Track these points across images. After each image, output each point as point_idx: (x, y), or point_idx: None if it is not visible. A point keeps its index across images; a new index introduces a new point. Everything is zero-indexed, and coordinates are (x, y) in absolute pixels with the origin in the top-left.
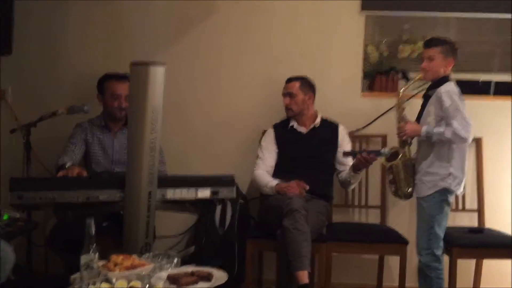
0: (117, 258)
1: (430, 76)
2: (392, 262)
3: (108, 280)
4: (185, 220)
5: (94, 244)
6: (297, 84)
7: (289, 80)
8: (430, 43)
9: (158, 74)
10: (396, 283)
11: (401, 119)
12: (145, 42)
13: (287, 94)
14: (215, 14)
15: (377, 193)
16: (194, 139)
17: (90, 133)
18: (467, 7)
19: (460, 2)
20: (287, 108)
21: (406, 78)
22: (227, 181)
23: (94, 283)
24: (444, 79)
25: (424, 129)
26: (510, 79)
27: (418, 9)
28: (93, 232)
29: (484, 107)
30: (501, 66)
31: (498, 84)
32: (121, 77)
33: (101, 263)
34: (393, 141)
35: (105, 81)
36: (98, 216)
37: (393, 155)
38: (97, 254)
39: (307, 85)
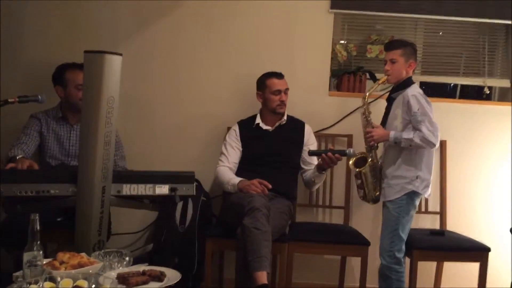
0: (64, 255)
1: (393, 79)
2: (354, 262)
3: (52, 279)
4: (145, 217)
5: (38, 241)
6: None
7: (282, 76)
8: (391, 46)
9: (114, 63)
10: (358, 284)
11: (368, 124)
12: (104, 36)
13: (286, 90)
14: (180, 10)
15: (341, 194)
16: (158, 136)
17: (45, 125)
18: (435, 9)
19: (428, 4)
20: (284, 104)
21: (373, 78)
22: (187, 177)
23: (36, 282)
24: (408, 82)
25: (392, 134)
26: (476, 83)
27: (387, 9)
28: (38, 227)
29: (448, 109)
30: (467, 69)
31: (463, 87)
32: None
33: (46, 261)
34: (358, 141)
35: (67, 71)
36: (51, 211)
37: (361, 160)
38: (41, 252)
39: None
